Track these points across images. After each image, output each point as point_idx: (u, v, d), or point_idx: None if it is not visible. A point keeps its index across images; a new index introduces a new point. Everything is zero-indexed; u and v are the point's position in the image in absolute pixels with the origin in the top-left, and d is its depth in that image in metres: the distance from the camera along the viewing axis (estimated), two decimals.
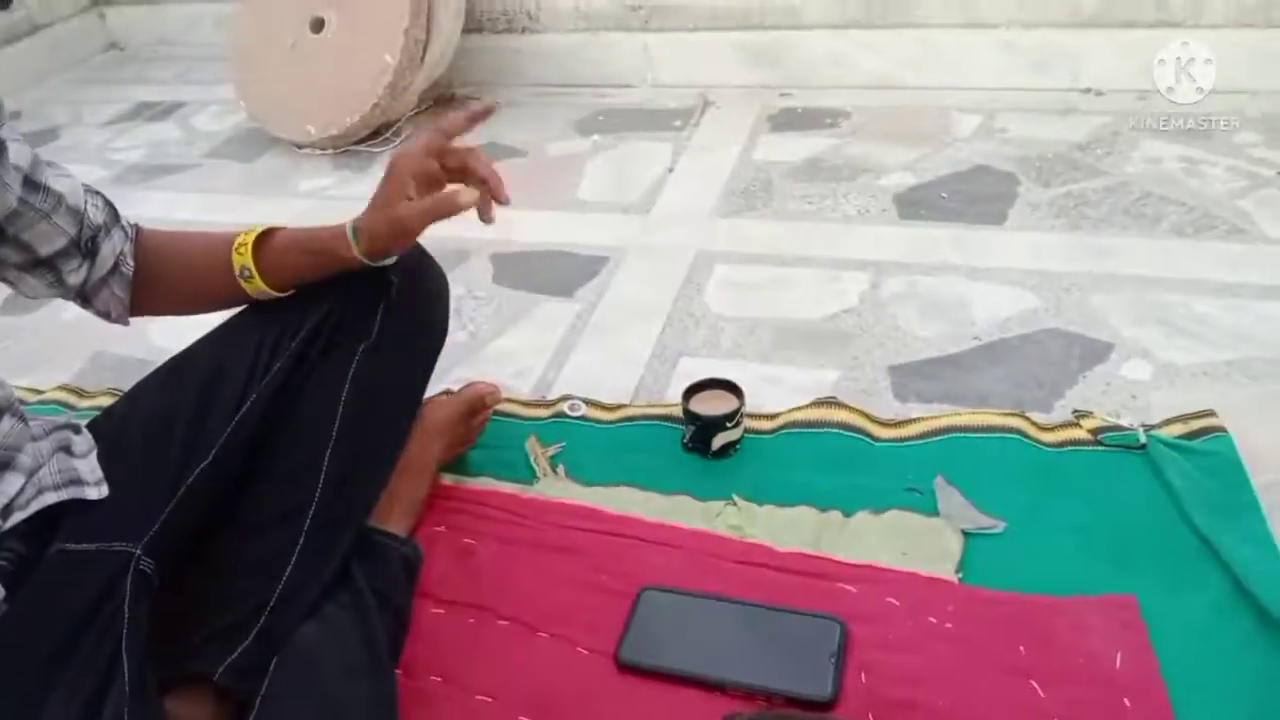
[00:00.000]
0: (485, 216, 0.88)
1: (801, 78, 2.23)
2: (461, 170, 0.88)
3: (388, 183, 0.88)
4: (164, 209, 2.02)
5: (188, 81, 2.81)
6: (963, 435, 1.13)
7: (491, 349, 1.46)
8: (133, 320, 0.96)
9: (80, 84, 2.91)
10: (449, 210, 0.86)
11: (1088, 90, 2.04)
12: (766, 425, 1.19)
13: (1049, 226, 1.60)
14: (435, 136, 0.88)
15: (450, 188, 0.89)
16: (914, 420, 1.17)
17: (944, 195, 1.73)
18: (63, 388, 1.45)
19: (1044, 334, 1.33)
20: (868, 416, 1.18)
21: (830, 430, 1.17)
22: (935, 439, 1.14)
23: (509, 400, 1.28)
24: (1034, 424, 1.14)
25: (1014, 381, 1.25)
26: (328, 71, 2.15)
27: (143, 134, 2.47)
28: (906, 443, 1.14)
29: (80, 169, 2.26)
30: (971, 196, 1.71)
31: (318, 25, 2.18)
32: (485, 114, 0.91)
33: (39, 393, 1.45)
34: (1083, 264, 1.48)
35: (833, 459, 1.13)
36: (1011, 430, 1.13)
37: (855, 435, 1.16)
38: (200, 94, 2.68)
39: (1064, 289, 1.42)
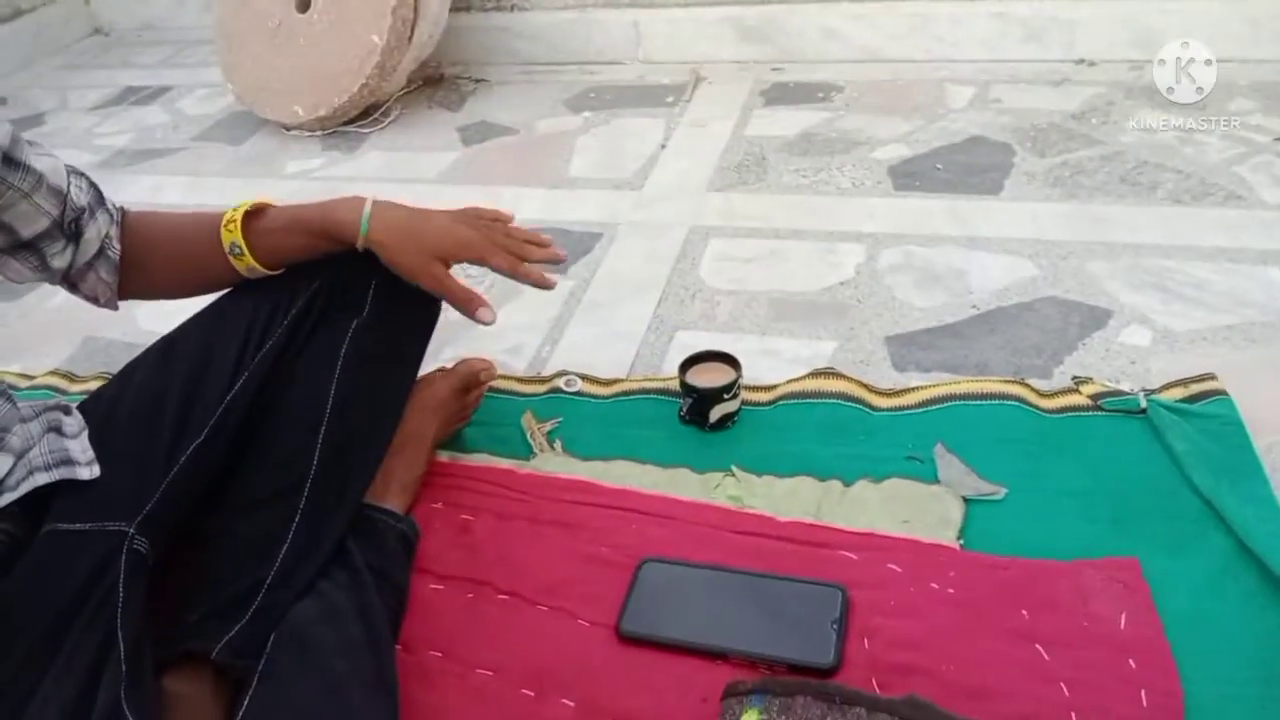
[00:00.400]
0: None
1: (793, 52, 2.21)
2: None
3: (454, 227, 0.95)
4: (151, 193, 2.00)
5: (173, 65, 2.78)
6: (962, 403, 1.13)
7: (485, 326, 1.44)
8: (121, 304, 0.95)
9: (65, 69, 2.88)
10: (463, 308, 0.97)
11: (1080, 61, 2.02)
12: (764, 396, 1.18)
13: (1045, 196, 1.59)
14: (511, 256, 0.99)
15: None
16: (913, 389, 1.16)
17: (939, 167, 1.71)
18: (54, 372, 1.44)
19: (1042, 302, 1.32)
20: (866, 386, 1.17)
21: (829, 400, 1.16)
22: (934, 407, 1.13)
23: (504, 377, 1.27)
24: (1034, 391, 1.13)
25: (1013, 349, 1.24)
26: (314, 52, 2.13)
27: (129, 118, 2.45)
28: (905, 411, 1.13)
29: (66, 154, 2.20)
30: (967, 167, 1.70)
31: (303, 5, 2.15)
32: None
33: (30, 378, 1.43)
34: (1080, 232, 1.47)
35: (831, 429, 1.12)
36: (1011, 397, 1.12)
37: (854, 405, 1.15)
38: (187, 77, 2.65)
39: (1061, 257, 1.41)
